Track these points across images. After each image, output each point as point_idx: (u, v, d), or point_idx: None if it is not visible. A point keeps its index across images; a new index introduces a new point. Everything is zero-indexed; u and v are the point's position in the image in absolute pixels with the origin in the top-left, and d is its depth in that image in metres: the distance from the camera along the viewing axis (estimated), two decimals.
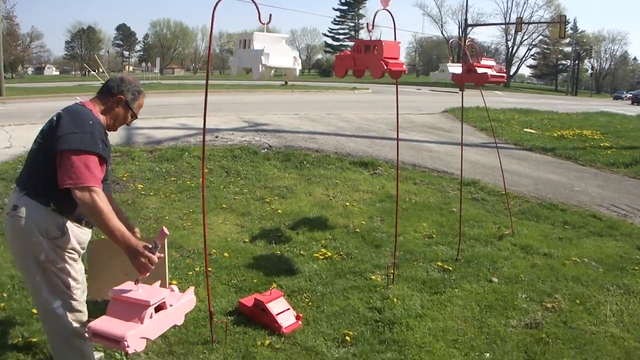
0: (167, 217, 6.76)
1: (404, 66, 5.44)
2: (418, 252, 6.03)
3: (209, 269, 5.25)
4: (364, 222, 6.99)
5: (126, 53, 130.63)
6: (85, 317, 3.05)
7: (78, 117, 2.92)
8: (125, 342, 2.74)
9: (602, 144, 14.53)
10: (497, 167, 10.39)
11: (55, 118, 2.95)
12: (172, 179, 8.39)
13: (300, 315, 4.32)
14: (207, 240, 6.04)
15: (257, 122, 13.42)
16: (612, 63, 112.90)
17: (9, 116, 14.24)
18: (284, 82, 41.44)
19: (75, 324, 2.98)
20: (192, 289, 3.29)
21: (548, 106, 26.21)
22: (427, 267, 5.64)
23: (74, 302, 2.98)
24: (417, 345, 4.05)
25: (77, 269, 3.00)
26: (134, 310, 2.93)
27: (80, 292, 3.03)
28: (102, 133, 2.96)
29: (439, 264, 5.72)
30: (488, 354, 4.03)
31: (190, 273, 5.17)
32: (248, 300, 4.42)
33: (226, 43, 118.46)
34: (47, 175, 2.85)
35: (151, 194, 7.67)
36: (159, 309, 3.00)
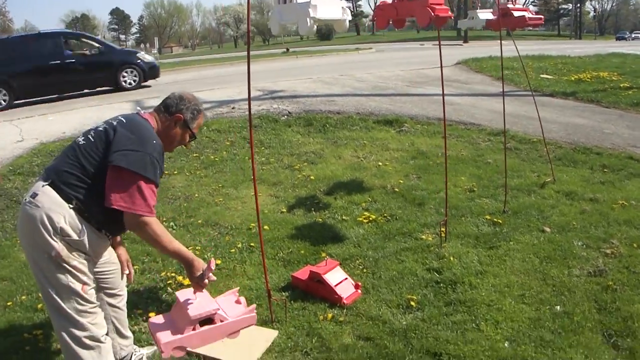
0: (196, 195, 6.55)
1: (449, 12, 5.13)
2: (463, 207, 5.81)
3: (251, 244, 5.07)
4: (401, 181, 6.75)
5: (123, 37, 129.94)
6: (101, 319, 2.79)
7: (141, 133, 2.74)
8: (160, 348, 2.97)
9: (621, 85, 14.13)
10: (522, 115, 10.16)
11: (116, 124, 2.76)
12: (194, 155, 8.17)
13: (359, 283, 4.10)
14: (243, 214, 5.88)
15: (271, 90, 13.10)
16: (614, 4, 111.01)
17: (17, 110, 13.99)
18: (285, 49, 40.98)
19: (89, 326, 2.71)
20: (253, 306, 3.40)
21: (557, 51, 25.65)
22: (476, 222, 5.43)
23: (86, 304, 2.70)
24: (485, 304, 3.85)
25: (90, 269, 2.75)
26: (183, 318, 3.09)
27: (93, 292, 2.76)
28: (160, 155, 2.78)
29: (487, 217, 5.50)
30: (559, 307, 3.82)
31: (233, 250, 4.94)
32: (302, 273, 4.18)
33: (222, 16, 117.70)
34: (81, 172, 2.65)
35: (175, 172, 7.47)
36: (209, 321, 3.14)
